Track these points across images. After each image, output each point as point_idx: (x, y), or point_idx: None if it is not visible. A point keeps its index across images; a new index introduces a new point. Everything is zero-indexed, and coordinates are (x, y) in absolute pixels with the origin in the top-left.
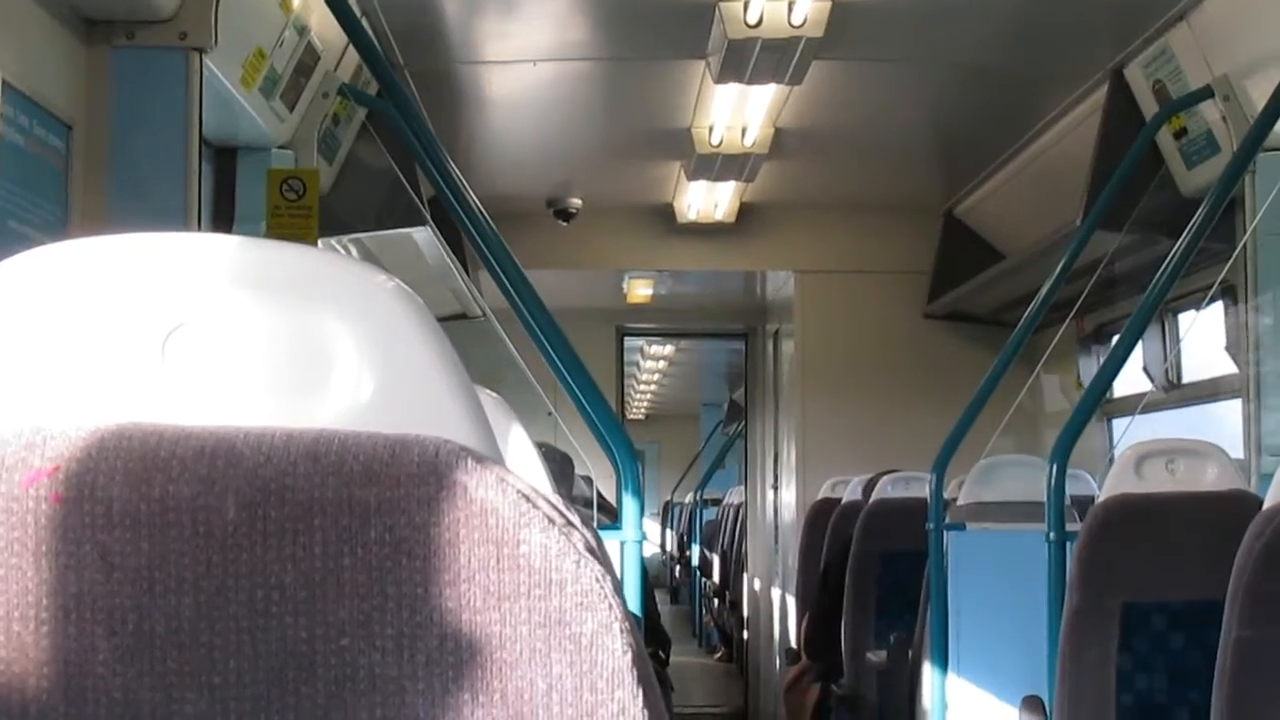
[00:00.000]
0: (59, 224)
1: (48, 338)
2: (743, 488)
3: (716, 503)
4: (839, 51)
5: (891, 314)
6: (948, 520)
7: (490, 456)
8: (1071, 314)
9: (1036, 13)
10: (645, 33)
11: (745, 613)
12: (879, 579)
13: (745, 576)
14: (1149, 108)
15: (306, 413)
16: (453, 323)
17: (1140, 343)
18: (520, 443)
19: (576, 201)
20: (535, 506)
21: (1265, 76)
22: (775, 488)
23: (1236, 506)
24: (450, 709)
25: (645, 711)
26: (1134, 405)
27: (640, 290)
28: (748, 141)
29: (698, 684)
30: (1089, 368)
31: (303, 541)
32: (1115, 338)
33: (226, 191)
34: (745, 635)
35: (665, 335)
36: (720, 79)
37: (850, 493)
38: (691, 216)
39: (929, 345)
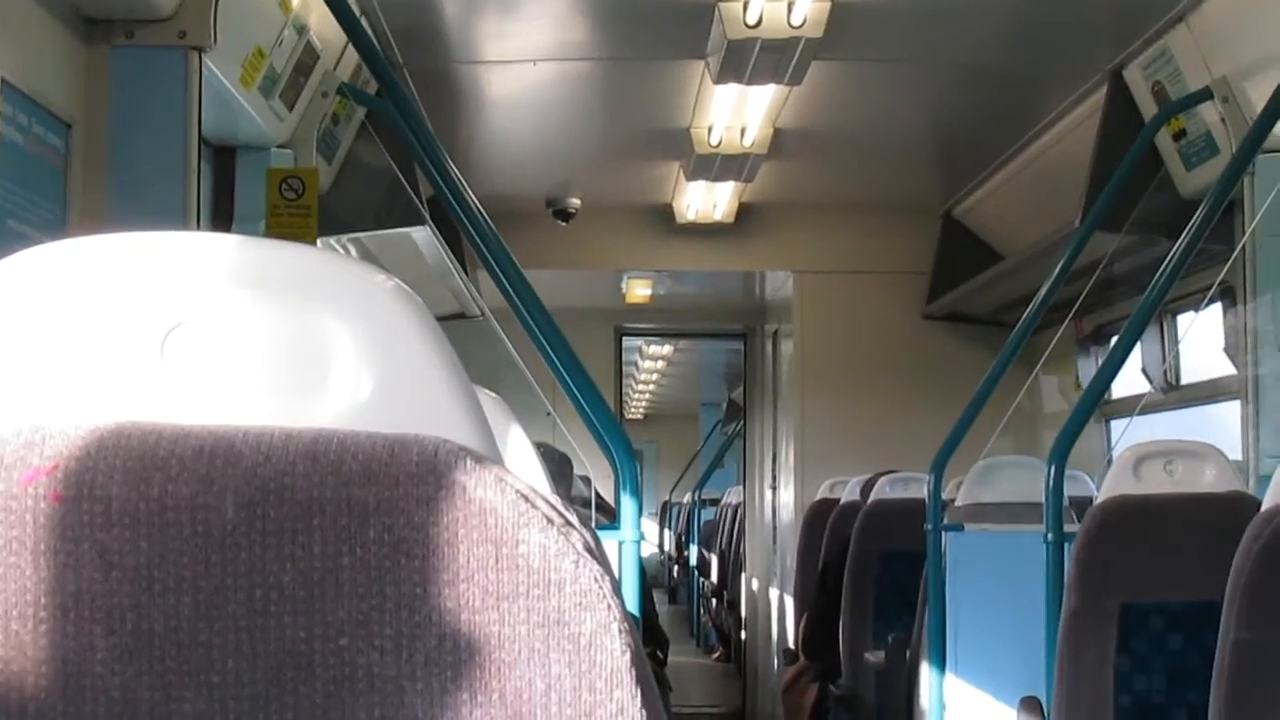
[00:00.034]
0: (58, 223)
1: (47, 336)
2: (741, 488)
3: (715, 503)
4: (839, 52)
5: (891, 314)
6: (946, 521)
7: (489, 456)
8: (1070, 315)
9: (1036, 13)
10: (645, 33)
11: (743, 613)
12: (877, 579)
13: (743, 576)
14: (1148, 109)
15: (305, 412)
16: (452, 322)
17: (1139, 344)
18: (519, 443)
19: (575, 201)
20: (534, 506)
21: (1264, 78)
22: (774, 488)
23: (1235, 508)
24: (449, 709)
25: (643, 711)
26: (1132, 406)
27: (639, 290)
28: (747, 142)
29: (696, 684)
30: (1088, 369)
31: (301, 541)
32: (1114, 339)
33: (226, 191)
34: (743, 635)
35: (664, 335)
36: (720, 79)
37: (849, 493)
38: (690, 217)
39: (928, 346)
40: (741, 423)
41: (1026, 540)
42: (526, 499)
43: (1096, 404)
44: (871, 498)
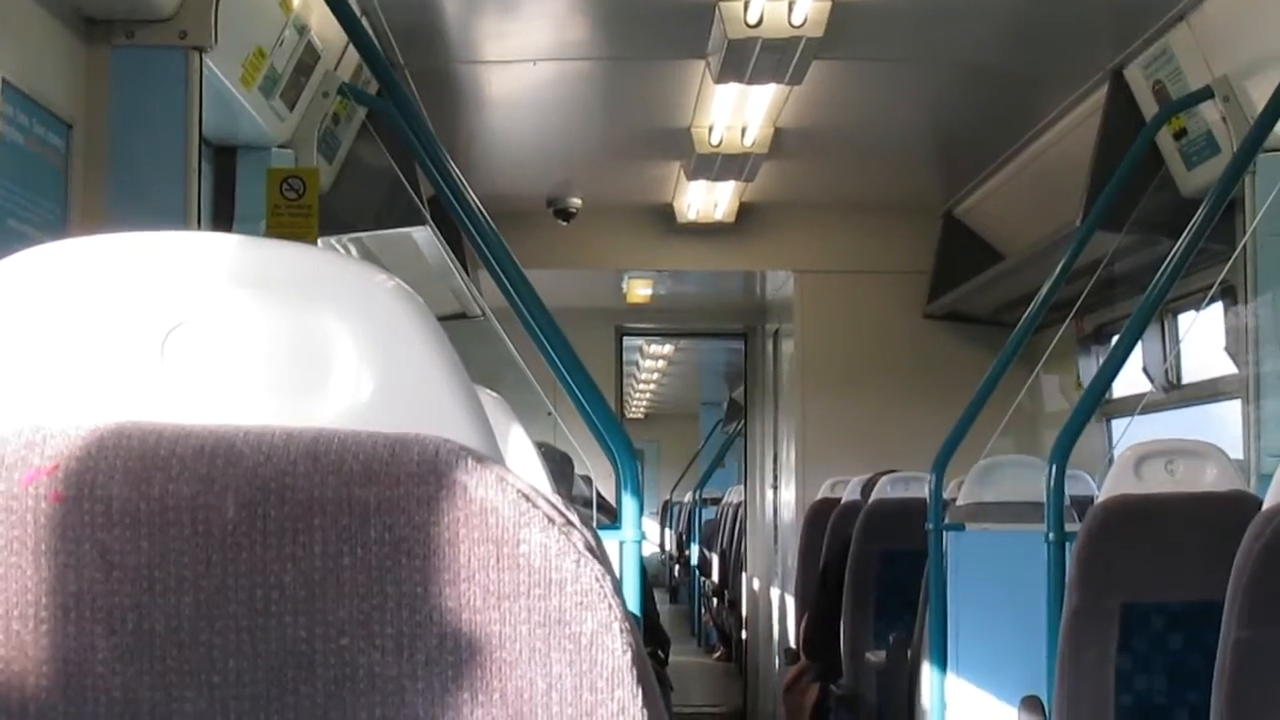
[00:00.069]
0: (58, 223)
1: (47, 336)
2: (742, 487)
3: (715, 502)
4: (839, 51)
5: (891, 314)
6: (947, 520)
7: (490, 456)
8: (1071, 314)
9: (1036, 13)
10: (645, 32)
11: (744, 612)
12: (878, 579)
13: (744, 576)
14: (1149, 108)
15: (306, 412)
16: (452, 322)
17: (1140, 343)
18: (520, 442)
19: (576, 201)
20: (535, 506)
21: (1265, 77)
22: (774, 487)
23: (1236, 507)
24: (450, 708)
25: (644, 711)
26: (1133, 406)
27: (640, 290)
28: (747, 141)
29: (697, 683)
30: (1088, 368)
31: (302, 541)
32: (1115, 338)
33: (226, 190)
34: (744, 635)
35: (665, 335)
36: (720, 79)
37: (849, 492)
38: (691, 216)
39: (929, 345)
40: (742, 422)
41: (1027, 540)
42: (528, 498)
43: (1097, 403)
44: (872, 497)
